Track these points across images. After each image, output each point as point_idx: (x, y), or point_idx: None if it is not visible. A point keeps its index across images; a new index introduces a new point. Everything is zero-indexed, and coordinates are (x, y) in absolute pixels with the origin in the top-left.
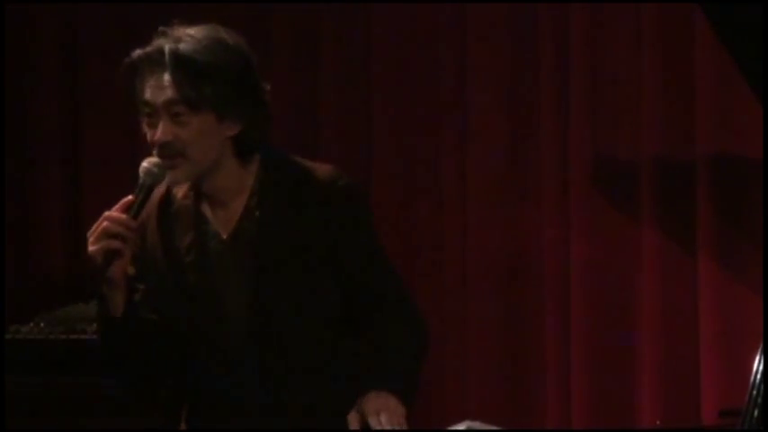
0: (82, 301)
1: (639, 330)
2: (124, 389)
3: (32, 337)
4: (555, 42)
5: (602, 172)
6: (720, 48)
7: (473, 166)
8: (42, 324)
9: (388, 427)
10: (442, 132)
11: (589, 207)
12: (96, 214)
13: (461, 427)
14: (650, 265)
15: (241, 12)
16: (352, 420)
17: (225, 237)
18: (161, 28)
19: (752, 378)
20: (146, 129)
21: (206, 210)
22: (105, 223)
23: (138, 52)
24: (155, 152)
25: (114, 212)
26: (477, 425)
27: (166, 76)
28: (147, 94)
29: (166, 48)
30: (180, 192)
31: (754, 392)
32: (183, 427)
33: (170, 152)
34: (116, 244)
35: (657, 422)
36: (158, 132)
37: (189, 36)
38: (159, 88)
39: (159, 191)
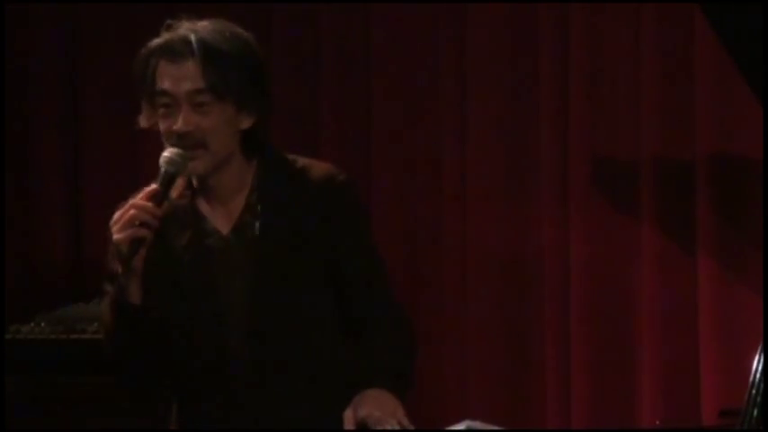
0: (82, 301)
1: (639, 330)
2: (123, 385)
3: (33, 337)
4: (555, 42)
5: (602, 172)
6: (720, 48)
7: (473, 166)
8: (42, 324)
9: (388, 428)
10: (442, 132)
11: (589, 207)
12: (96, 214)
13: (461, 427)
14: (650, 265)
15: (241, 12)
16: (348, 418)
17: (225, 233)
18: (168, 22)
19: (751, 378)
20: (158, 119)
21: (203, 207)
22: (132, 211)
23: (157, 41)
24: (170, 142)
25: (140, 200)
26: (477, 425)
27: (190, 65)
28: (167, 84)
29: (192, 36)
30: (175, 191)
31: (754, 392)
32: (173, 426)
33: (191, 142)
34: (143, 232)
35: (657, 422)
36: (180, 122)
37: (207, 27)
38: (182, 77)
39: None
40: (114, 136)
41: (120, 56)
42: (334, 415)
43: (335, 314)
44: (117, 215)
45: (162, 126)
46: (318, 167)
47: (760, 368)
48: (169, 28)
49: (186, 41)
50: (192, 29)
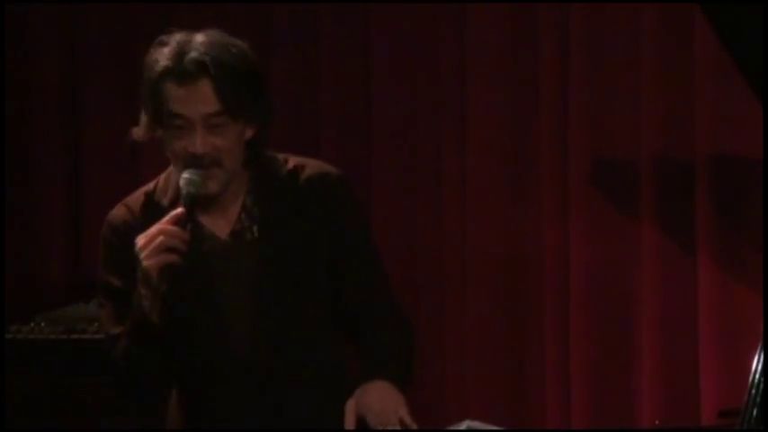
0: (82, 301)
1: (639, 330)
2: (129, 395)
3: (33, 337)
4: (555, 42)
5: (602, 172)
6: (720, 48)
7: (473, 166)
8: (43, 324)
9: (389, 427)
10: (442, 132)
11: (589, 207)
12: (96, 215)
13: (461, 427)
14: (650, 265)
15: (241, 12)
16: (349, 410)
17: (224, 237)
18: (161, 38)
19: (751, 378)
20: (166, 137)
21: (200, 214)
22: (161, 237)
23: (164, 63)
24: (184, 162)
25: (168, 226)
26: (477, 425)
27: (204, 87)
28: (179, 107)
29: (201, 57)
30: (166, 198)
31: (753, 392)
32: (168, 426)
33: (207, 162)
34: (172, 258)
35: (656, 422)
36: (197, 145)
37: (209, 43)
38: (196, 101)
39: (139, 201)
40: (114, 137)
41: (120, 56)
42: (335, 412)
43: (334, 313)
44: (143, 241)
45: (174, 146)
46: (311, 165)
47: (760, 368)
48: (163, 44)
49: (197, 63)
50: (195, 47)
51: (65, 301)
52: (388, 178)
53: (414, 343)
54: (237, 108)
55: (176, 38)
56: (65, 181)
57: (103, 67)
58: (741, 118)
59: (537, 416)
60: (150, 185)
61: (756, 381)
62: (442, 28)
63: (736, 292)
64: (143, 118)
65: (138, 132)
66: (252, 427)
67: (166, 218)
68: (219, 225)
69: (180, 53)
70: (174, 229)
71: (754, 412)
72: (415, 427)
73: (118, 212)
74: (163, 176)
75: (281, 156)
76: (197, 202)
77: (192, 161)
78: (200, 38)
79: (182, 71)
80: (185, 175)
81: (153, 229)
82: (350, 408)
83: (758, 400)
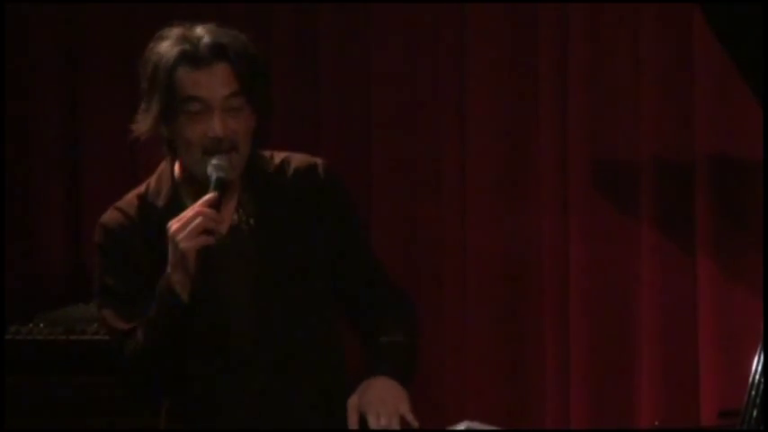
0: (81, 301)
1: (639, 330)
2: (139, 386)
3: (32, 338)
4: (555, 42)
5: (602, 172)
6: (720, 48)
7: (473, 166)
8: (42, 324)
9: (389, 427)
10: (441, 132)
11: (589, 207)
12: (96, 215)
13: (461, 427)
14: (650, 266)
15: (241, 12)
16: (351, 407)
17: (223, 232)
18: (161, 32)
19: (751, 378)
20: (177, 126)
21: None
22: (200, 219)
23: (177, 48)
24: (202, 148)
25: (205, 208)
26: (476, 425)
27: (221, 70)
28: (197, 90)
29: (224, 41)
30: (161, 199)
31: (753, 393)
32: (162, 426)
33: (226, 146)
34: (210, 240)
35: (656, 422)
36: (217, 127)
37: (216, 31)
38: (215, 83)
39: (133, 204)
40: (114, 136)
41: (121, 56)
42: (338, 405)
43: (336, 300)
44: (177, 225)
45: (189, 132)
46: (296, 158)
47: (760, 368)
48: (164, 37)
49: (213, 46)
50: (206, 33)
51: (64, 301)
52: (388, 178)
53: (417, 325)
54: (252, 90)
55: (180, 29)
56: (65, 181)
57: (103, 67)
58: (741, 118)
59: (537, 416)
60: (141, 188)
61: (756, 381)
62: (442, 28)
63: (736, 292)
64: (150, 111)
65: (143, 127)
66: (253, 418)
67: (201, 201)
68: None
69: (193, 39)
70: (211, 211)
71: (755, 413)
72: (416, 422)
73: (112, 216)
74: (153, 179)
75: (265, 152)
76: (226, 187)
77: (210, 146)
78: (205, 27)
79: (199, 55)
80: (213, 161)
81: (188, 213)
82: (352, 405)
83: (758, 400)
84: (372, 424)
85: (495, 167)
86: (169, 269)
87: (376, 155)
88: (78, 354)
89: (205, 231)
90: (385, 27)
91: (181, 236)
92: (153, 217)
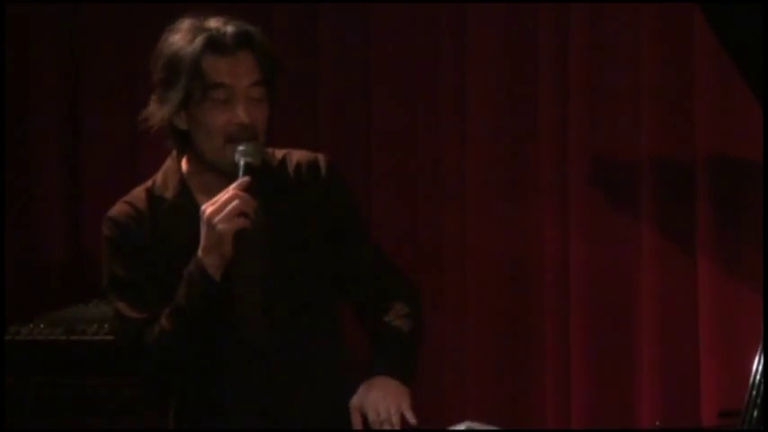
0: (81, 302)
1: (639, 330)
2: (159, 376)
3: (32, 338)
4: (555, 42)
5: (602, 172)
6: (720, 48)
7: (473, 166)
8: (42, 325)
9: (387, 427)
10: (441, 132)
11: (589, 207)
12: (96, 215)
13: (461, 427)
14: (650, 265)
15: (241, 12)
16: (354, 407)
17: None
18: (174, 25)
19: (751, 378)
20: (202, 113)
21: (203, 202)
22: (236, 202)
23: (206, 37)
24: (224, 136)
25: (241, 192)
26: (476, 425)
27: (246, 58)
28: (223, 78)
29: (249, 30)
30: (169, 192)
31: (754, 393)
32: (171, 425)
33: (248, 134)
34: (246, 222)
35: (656, 422)
36: (241, 115)
37: (236, 21)
38: (240, 71)
39: (141, 197)
40: (114, 136)
41: (121, 56)
42: (343, 401)
43: (339, 294)
44: (212, 208)
45: (213, 120)
46: (296, 153)
47: (760, 369)
48: (177, 30)
49: (239, 35)
50: (228, 21)
51: (64, 302)
52: (388, 178)
53: (421, 317)
54: (272, 80)
55: (193, 20)
56: (65, 181)
57: (103, 67)
58: (741, 118)
59: (537, 416)
60: (148, 183)
61: (756, 381)
62: (442, 28)
63: (737, 292)
64: (168, 100)
65: (159, 116)
66: (260, 410)
67: (234, 185)
68: None
69: (217, 27)
70: (246, 195)
71: (755, 413)
72: (414, 420)
73: (121, 209)
74: (159, 175)
75: (267, 149)
76: (255, 173)
77: (234, 133)
78: (219, 18)
79: (225, 43)
80: (240, 147)
81: (224, 196)
82: (354, 407)
83: (758, 400)
84: (373, 422)
85: (495, 168)
86: (200, 253)
87: (376, 155)
88: (78, 354)
89: (241, 214)
90: (385, 27)
91: (218, 218)
92: (161, 209)
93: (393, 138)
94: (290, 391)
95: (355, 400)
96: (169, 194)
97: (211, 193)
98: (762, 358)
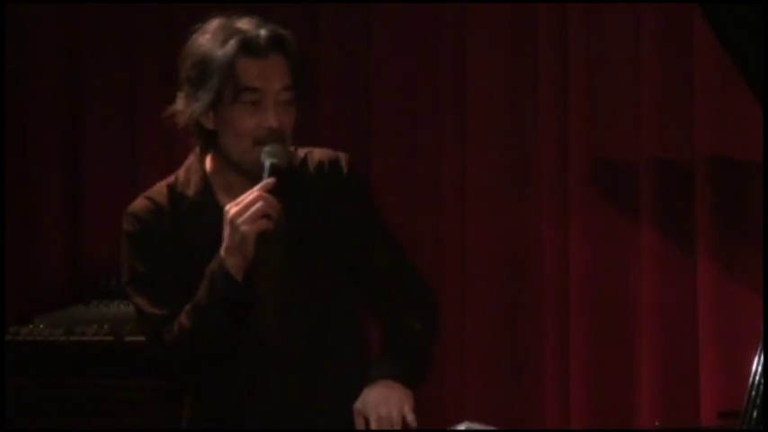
0: (81, 302)
1: (639, 330)
2: (178, 375)
3: (32, 339)
4: (555, 42)
5: (602, 172)
6: (720, 48)
7: (473, 166)
8: (42, 326)
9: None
10: (442, 132)
11: (588, 207)
12: (96, 216)
13: (461, 427)
14: (650, 266)
15: (241, 12)
16: (357, 411)
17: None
18: (202, 25)
19: (751, 379)
20: (233, 114)
21: (225, 202)
22: (261, 204)
23: (241, 39)
24: (254, 139)
25: (265, 193)
26: (476, 425)
27: (278, 62)
28: (255, 81)
29: (282, 34)
30: (191, 189)
31: (753, 393)
32: (184, 424)
33: (276, 138)
34: (270, 224)
35: (656, 422)
36: (271, 119)
37: (269, 23)
38: (272, 75)
39: (163, 193)
40: (114, 137)
41: (120, 56)
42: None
43: (358, 292)
44: (236, 209)
45: (242, 123)
46: (319, 152)
47: (760, 369)
48: (206, 30)
49: (272, 38)
50: (262, 24)
51: (64, 302)
52: (388, 178)
53: (436, 320)
54: (303, 84)
55: (223, 20)
56: (64, 182)
57: (103, 67)
58: (741, 118)
59: (536, 416)
60: (170, 179)
61: (756, 382)
62: (442, 28)
63: (736, 292)
64: (198, 99)
65: (188, 114)
66: (273, 410)
67: (258, 186)
68: None
69: (249, 30)
70: (271, 196)
71: (755, 413)
72: (415, 423)
73: (142, 204)
74: (181, 171)
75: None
76: (280, 175)
77: (262, 136)
78: (251, 20)
79: (259, 46)
80: (267, 148)
81: (249, 197)
82: (357, 410)
83: (758, 401)
84: (373, 425)
85: (495, 167)
86: (223, 252)
87: (376, 156)
88: (78, 355)
89: (265, 216)
90: (385, 27)
91: (242, 219)
92: (183, 206)
93: (393, 137)
94: (308, 393)
95: (358, 403)
96: (191, 192)
97: (233, 192)
98: (761, 358)
